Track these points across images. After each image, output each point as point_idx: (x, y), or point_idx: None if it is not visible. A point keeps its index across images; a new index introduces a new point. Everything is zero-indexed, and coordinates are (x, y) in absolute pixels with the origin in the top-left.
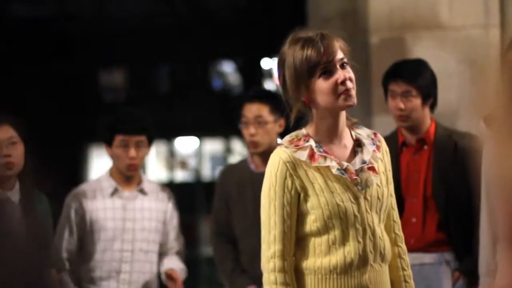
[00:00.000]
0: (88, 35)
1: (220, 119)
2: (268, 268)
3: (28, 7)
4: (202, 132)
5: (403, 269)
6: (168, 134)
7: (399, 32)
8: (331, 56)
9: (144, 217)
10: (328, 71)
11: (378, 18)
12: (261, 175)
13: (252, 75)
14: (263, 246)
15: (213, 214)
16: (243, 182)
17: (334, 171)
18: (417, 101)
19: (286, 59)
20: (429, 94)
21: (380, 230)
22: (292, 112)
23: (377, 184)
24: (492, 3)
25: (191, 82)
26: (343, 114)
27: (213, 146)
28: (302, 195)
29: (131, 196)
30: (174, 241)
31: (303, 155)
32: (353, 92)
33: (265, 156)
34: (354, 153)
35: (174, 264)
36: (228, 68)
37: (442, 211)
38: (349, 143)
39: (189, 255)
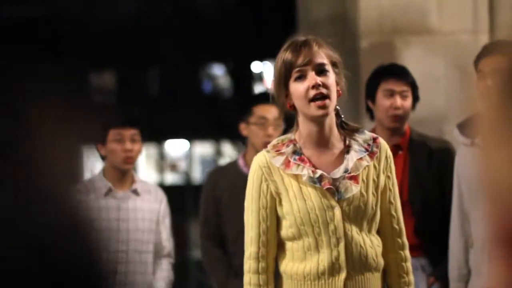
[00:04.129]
0: (77, 37)
1: (210, 122)
2: (245, 269)
3: (16, 8)
4: (192, 135)
5: (401, 276)
6: (158, 137)
7: (389, 37)
8: (306, 60)
9: (137, 217)
10: (302, 75)
11: (367, 23)
12: None
13: (242, 78)
14: (244, 248)
15: (201, 218)
16: (235, 186)
17: (304, 179)
18: (410, 101)
19: (276, 63)
20: (418, 96)
21: (361, 238)
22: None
23: (361, 193)
24: (481, 8)
25: (181, 84)
26: (329, 121)
27: (203, 149)
28: (277, 200)
29: (125, 196)
30: (166, 241)
31: (278, 161)
32: (327, 101)
33: None
34: (342, 161)
35: (164, 276)
36: (218, 71)
37: (417, 216)
38: (338, 150)
39: (178, 257)
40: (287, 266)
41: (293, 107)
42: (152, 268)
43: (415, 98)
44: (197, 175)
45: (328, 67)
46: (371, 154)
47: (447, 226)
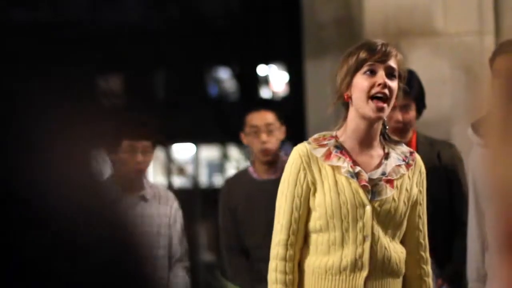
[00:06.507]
0: (83, 41)
1: (216, 126)
2: (271, 255)
3: (23, 13)
4: (198, 138)
5: None
6: (165, 141)
7: (394, 39)
8: (382, 58)
9: (144, 223)
10: (373, 71)
11: (373, 25)
12: (267, 182)
13: (248, 81)
14: (273, 234)
15: (221, 229)
16: (250, 193)
17: (343, 171)
18: (413, 113)
19: (345, 56)
20: (422, 105)
21: (387, 241)
22: (331, 104)
23: (393, 198)
24: (486, 10)
25: (187, 88)
26: (377, 125)
27: (210, 152)
28: (312, 190)
29: (132, 203)
30: (177, 245)
31: (320, 152)
32: (386, 106)
33: (270, 163)
34: (380, 165)
35: (178, 284)
36: (224, 74)
37: None
38: (377, 154)
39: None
40: (310, 260)
41: (348, 100)
42: (167, 273)
43: (421, 107)
44: (204, 179)
45: (396, 75)
46: (407, 165)
47: (453, 228)
